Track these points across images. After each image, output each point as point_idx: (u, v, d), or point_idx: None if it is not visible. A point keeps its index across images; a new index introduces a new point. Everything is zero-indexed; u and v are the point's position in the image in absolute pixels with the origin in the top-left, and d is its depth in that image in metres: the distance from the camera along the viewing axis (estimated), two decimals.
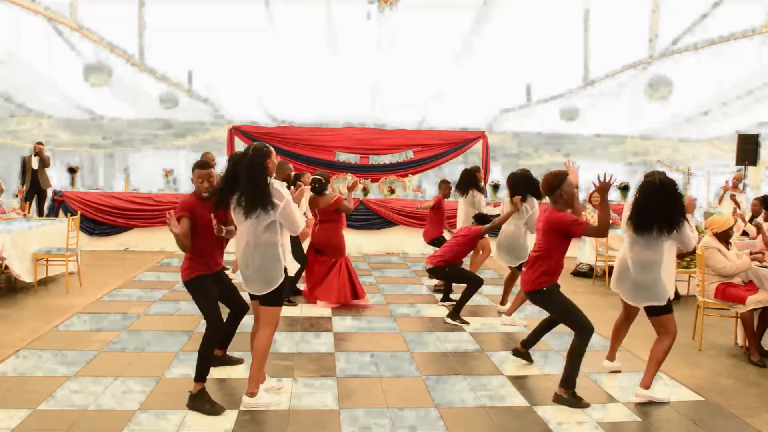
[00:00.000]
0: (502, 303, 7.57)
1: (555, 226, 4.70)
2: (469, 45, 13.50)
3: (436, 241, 8.81)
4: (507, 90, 14.04)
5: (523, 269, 5.09)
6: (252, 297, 4.46)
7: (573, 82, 14.26)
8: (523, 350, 5.52)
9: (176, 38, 12.61)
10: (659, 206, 4.60)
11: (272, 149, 4.40)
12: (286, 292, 4.56)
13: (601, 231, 4.69)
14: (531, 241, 5.57)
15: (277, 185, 4.29)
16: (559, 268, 4.85)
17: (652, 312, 4.80)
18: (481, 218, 7.32)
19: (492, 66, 13.06)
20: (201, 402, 4.29)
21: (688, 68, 13.52)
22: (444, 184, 9.17)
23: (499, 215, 7.35)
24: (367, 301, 7.80)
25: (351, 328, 6.69)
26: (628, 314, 5.24)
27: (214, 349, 4.50)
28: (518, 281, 7.19)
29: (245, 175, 4.19)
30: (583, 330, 4.68)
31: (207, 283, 4.50)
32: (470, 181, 8.64)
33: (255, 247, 4.25)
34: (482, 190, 8.77)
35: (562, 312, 4.83)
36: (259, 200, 4.17)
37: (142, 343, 5.91)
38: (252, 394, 4.39)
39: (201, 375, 4.34)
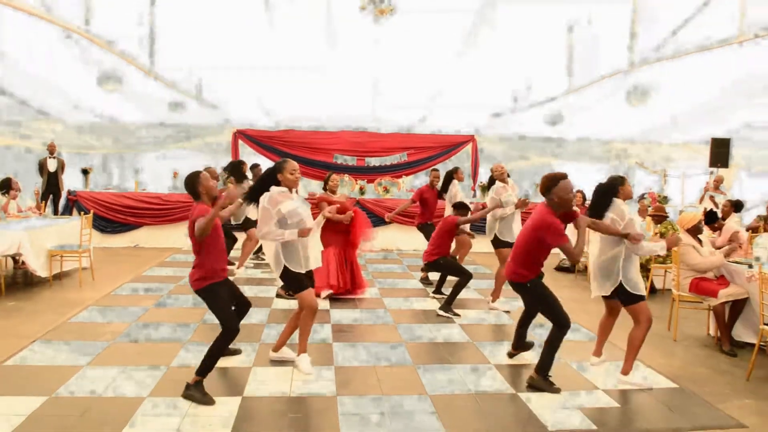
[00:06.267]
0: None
1: (538, 225, 4.61)
2: (460, 53, 13.51)
3: (423, 225, 9.02)
4: (497, 95, 14.04)
5: (508, 260, 4.99)
6: None
7: (559, 88, 14.31)
8: (515, 352, 5.43)
9: (185, 49, 12.61)
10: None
11: (287, 165, 4.75)
12: (292, 285, 4.81)
13: (576, 254, 4.60)
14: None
15: (274, 192, 4.70)
16: (539, 264, 4.81)
17: (625, 302, 4.82)
18: (459, 206, 7.34)
19: (483, 73, 13.08)
20: (195, 391, 4.26)
21: (666, 77, 13.61)
22: (433, 171, 9.36)
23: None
24: (363, 292, 7.86)
25: (348, 320, 6.69)
26: (612, 312, 5.24)
27: (224, 350, 4.41)
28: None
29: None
30: (561, 324, 4.68)
31: (219, 289, 4.40)
32: (449, 179, 8.93)
33: None
34: (460, 181, 9.00)
35: (543, 305, 4.84)
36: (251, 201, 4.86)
37: (151, 334, 5.91)
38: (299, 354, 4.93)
39: (203, 371, 4.30)
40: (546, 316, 4.85)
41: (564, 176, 4.64)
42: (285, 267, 4.75)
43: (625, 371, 4.85)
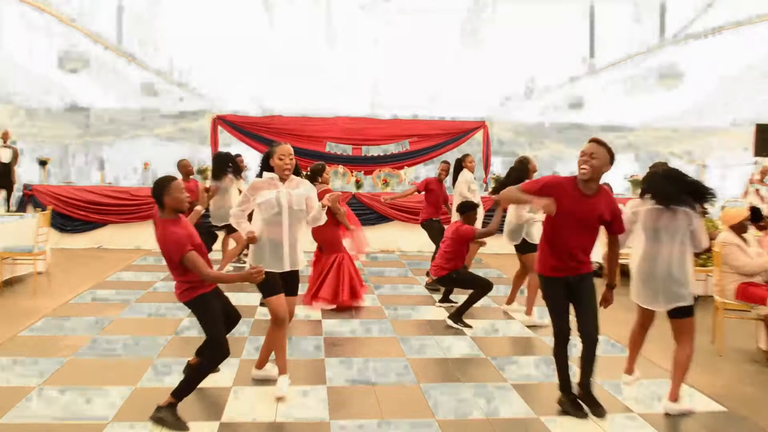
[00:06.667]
0: (509, 303, 7.53)
1: None
2: (473, 34, 13.49)
3: (427, 223, 9.08)
4: (510, 79, 14.13)
5: None
6: None
7: (579, 70, 14.28)
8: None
9: (158, 22, 12.68)
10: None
11: (277, 149, 4.84)
12: (261, 286, 4.65)
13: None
14: None
15: (259, 179, 4.88)
16: (551, 257, 4.54)
17: (681, 313, 4.61)
18: (464, 207, 7.19)
19: (496, 55, 13.09)
20: (166, 414, 4.09)
21: (699, 56, 13.51)
22: (443, 164, 9.44)
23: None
24: (363, 300, 7.73)
25: (343, 332, 6.59)
26: (645, 322, 5.01)
27: (209, 373, 4.31)
28: (526, 281, 7.18)
29: None
30: (554, 332, 4.62)
31: (211, 300, 4.33)
32: (459, 167, 9.06)
33: None
34: (471, 171, 9.07)
35: (548, 306, 4.68)
36: None
37: (116, 349, 5.81)
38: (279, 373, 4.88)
39: (180, 393, 4.15)
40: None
41: (590, 140, 4.49)
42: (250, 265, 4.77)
43: (674, 397, 4.65)
